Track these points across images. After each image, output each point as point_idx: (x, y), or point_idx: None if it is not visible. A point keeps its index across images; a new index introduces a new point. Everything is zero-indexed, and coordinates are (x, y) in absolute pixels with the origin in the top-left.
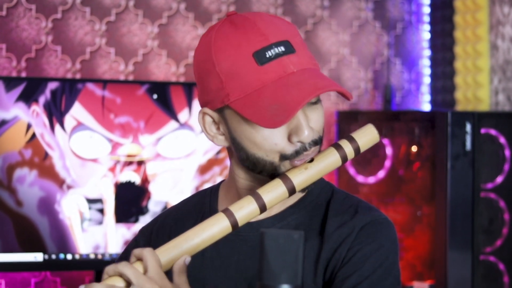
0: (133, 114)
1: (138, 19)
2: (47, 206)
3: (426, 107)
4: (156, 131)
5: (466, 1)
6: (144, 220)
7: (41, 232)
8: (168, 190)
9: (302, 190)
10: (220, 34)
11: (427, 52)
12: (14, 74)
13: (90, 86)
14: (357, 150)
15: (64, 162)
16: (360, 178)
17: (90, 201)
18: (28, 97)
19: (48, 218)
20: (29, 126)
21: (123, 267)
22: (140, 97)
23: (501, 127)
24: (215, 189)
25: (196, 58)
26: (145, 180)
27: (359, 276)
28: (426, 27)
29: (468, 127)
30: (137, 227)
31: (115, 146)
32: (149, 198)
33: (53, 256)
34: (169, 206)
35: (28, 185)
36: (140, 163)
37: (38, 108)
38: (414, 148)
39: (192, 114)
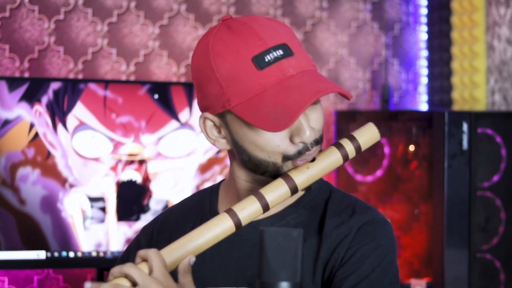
0: (135, 114)
1: (139, 20)
2: (50, 204)
3: (424, 107)
4: (157, 131)
5: (463, 2)
6: (145, 218)
7: (44, 230)
8: (169, 188)
9: (304, 189)
10: (217, 40)
11: (424, 53)
12: (17, 74)
13: (92, 86)
14: (358, 148)
15: (67, 161)
16: (358, 177)
17: (92, 199)
18: (31, 97)
19: (50, 217)
20: (32, 126)
21: (128, 268)
22: (142, 97)
23: (497, 126)
24: (215, 189)
25: (195, 64)
26: (146, 179)
27: (358, 276)
28: (424, 28)
29: (465, 127)
30: (138, 225)
31: (117, 145)
32: (150, 196)
33: (56, 254)
34: (170, 205)
35: (31, 183)
36: (142, 162)
37: (40, 108)
38: (411, 148)
39: (193, 114)
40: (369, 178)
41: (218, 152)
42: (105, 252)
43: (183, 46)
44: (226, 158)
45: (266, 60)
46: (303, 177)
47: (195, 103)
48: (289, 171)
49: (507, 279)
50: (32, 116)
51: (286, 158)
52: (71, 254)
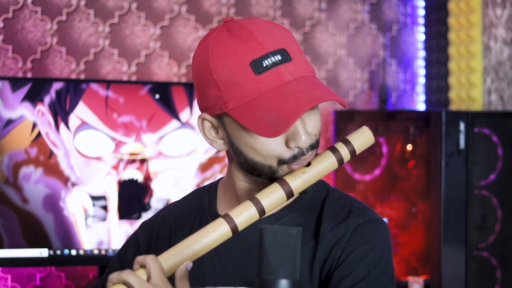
0: (136, 114)
1: (140, 21)
2: (52, 203)
3: (421, 106)
4: (158, 130)
5: (460, 3)
6: (147, 217)
7: (46, 228)
8: (170, 187)
9: (300, 193)
10: (217, 42)
11: (422, 53)
12: (20, 74)
13: (94, 86)
14: (352, 152)
15: (69, 160)
16: (356, 176)
17: (94, 198)
18: (33, 97)
19: (53, 215)
20: (34, 125)
21: (126, 275)
22: (143, 97)
23: (493, 126)
24: (213, 187)
25: (195, 65)
26: (148, 178)
27: (354, 277)
28: (421, 29)
29: (462, 126)
30: (139, 223)
31: (118, 144)
32: (151, 195)
33: (58, 252)
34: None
35: (34, 182)
36: (143, 161)
37: (43, 108)
38: (409, 147)
39: (193, 113)
40: (367, 177)
41: (218, 151)
42: (106, 250)
43: (184, 47)
44: (226, 157)
45: (264, 65)
46: (299, 181)
47: (195, 103)
48: (284, 175)
49: (503, 276)
50: (34, 116)
51: (281, 162)
52: (73, 252)
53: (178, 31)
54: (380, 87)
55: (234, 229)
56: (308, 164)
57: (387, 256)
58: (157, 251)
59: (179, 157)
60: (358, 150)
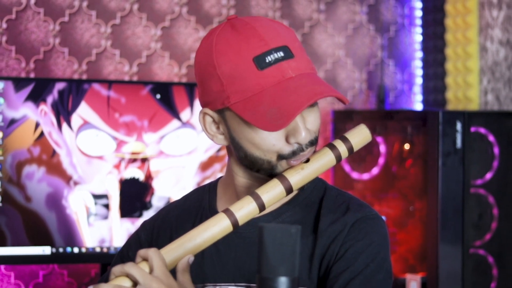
0: (137, 113)
1: (142, 22)
2: (55, 201)
3: (418, 106)
4: (159, 130)
5: (457, 5)
6: (148, 215)
7: (49, 227)
8: (171, 186)
9: (299, 189)
10: (221, 38)
11: (419, 54)
12: (23, 75)
13: (96, 86)
14: (350, 149)
15: (71, 159)
16: (355, 175)
17: (96, 196)
18: (36, 97)
19: (55, 213)
20: (37, 125)
21: (129, 267)
22: (144, 97)
23: (490, 125)
24: (213, 186)
25: (198, 60)
26: (149, 177)
27: (352, 271)
28: (418, 30)
29: (459, 126)
30: (141, 221)
31: (120, 144)
32: (152, 193)
33: (61, 250)
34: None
35: (37, 181)
36: (144, 160)
37: (46, 108)
38: (406, 146)
39: (194, 113)
40: (365, 176)
41: (219, 150)
42: (108, 248)
43: (185, 48)
44: (226, 156)
45: (267, 60)
46: (298, 177)
47: (196, 103)
48: (284, 171)
49: (499, 274)
50: (37, 116)
51: (280, 157)
52: (76, 250)
53: (179, 32)
54: (378, 87)
55: (234, 223)
56: (307, 161)
57: (384, 251)
58: (159, 249)
59: (180, 156)
60: (356, 147)
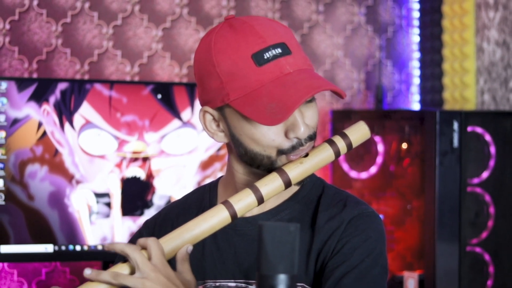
0: (139, 113)
1: (143, 23)
2: (57, 200)
3: (416, 106)
4: (160, 129)
5: (454, 6)
6: (149, 213)
7: (52, 225)
8: (172, 185)
9: (298, 183)
10: (219, 37)
11: (416, 54)
12: (26, 75)
13: (98, 86)
14: (349, 145)
15: (73, 158)
16: (353, 174)
17: (98, 195)
18: (39, 97)
19: (58, 212)
20: (40, 125)
21: (132, 250)
22: (145, 97)
23: (486, 125)
24: (214, 185)
25: (197, 59)
26: (150, 176)
27: (347, 266)
28: (416, 31)
29: (456, 126)
30: (142, 219)
31: (122, 143)
32: (153, 192)
33: (63, 248)
34: (172, 200)
35: (39, 180)
36: (145, 159)
37: (48, 107)
38: (404, 145)
39: (194, 113)
40: (364, 175)
41: (219, 149)
42: None
43: (185, 48)
44: (226, 155)
45: (265, 57)
46: (297, 171)
47: (196, 103)
48: (283, 165)
49: (496, 271)
50: (40, 115)
51: (280, 152)
52: (78, 248)
53: (180, 33)
54: (376, 87)
55: (233, 215)
56: (306, 155)
57: (380, 247)
58: None
59: (181, 155)
60: (355, 144)
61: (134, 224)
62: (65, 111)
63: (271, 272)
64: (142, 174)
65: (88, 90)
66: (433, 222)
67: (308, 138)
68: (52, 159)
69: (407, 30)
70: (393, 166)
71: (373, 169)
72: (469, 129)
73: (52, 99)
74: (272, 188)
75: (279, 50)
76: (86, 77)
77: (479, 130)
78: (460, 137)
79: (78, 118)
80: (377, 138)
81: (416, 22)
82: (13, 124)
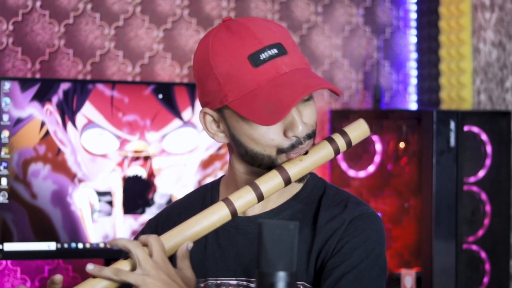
0: (140, 113)
1: (144, 24)
2: (60, 198)
3: (413, 106)
4: (161, 129)
5: (450, 7)
6: (150, 212)
7: (54, 223)
8: (173, 183)
9: (298, 181)
10: (216, 39)
11: (414, 55)
12: (29, 75)
13: (100, 86)
14: (349, 143)
15: (76, 157)
16: (351, 173)
17: (100, 193)
18: (42, 97)
19: (60, 210)
20: (43, 124)
21: (134, 246)
22: (147, 97)
23: (483, 125)
24: (215, 184)
25: (196, 62)
26: (151, 174)
27: (347, 266)
28: (413, 32)
29: (452, 125)
30: (143, 218)
31: (123, 142)
32: (155, 191)
33: (65, 245)
34: (173, 199)
35: (42, 178)
36: (147, 158)
37: (51, 107)
38: (401, 145)
39: (195, 112)
40: (362, 174)
41: (219, 149)
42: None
43: (186, 49)
44: (227, 154)
45: (261, 58)
46: (296, 169)
47: (197, 103)
48: (283, 163)
49: (492, 269)
50: (43, 115)
51: (280, 151)
52: (80, 246)
53: (181, 34)
54: (374, 87)
55: (233, 212)
56: (306, 153)
57: (380, 248)
58: None
59: (182, 154)
60: (354, 142)
61: (135, 222)
62: (67, 111)
63: (271, 270)
64: (143, 173)
65: (90, 90)
66: (430, 220)
67: (307, 136)
68: (55, 158)
69: (404, 31)
70: (391, 165)
71: (371, 168)
72: (466, 128)
73: (54, 99)
74: (272, 185)
75: (275, 51)
76: (88, 77)
77: (475, 129)
78: (456, 137)
79: (80, 118)
80: (375, 138)
81: (413, 23)
82: (17, 123)
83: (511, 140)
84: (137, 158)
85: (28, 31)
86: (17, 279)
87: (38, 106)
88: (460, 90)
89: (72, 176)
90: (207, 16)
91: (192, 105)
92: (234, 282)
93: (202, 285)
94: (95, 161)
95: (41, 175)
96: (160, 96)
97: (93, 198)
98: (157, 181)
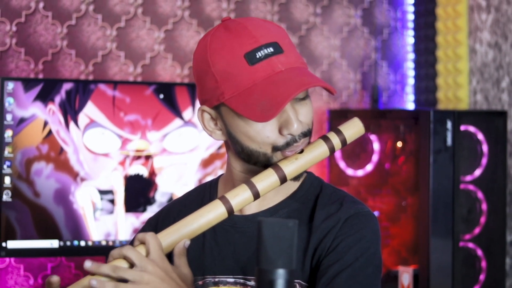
0: (141, 113)
1: (146, 25)
2: (62, 197)
3: (410, 106)
4: (162, 128)
5: (447, 8)
6: (151, 210)
7: (57, 221)
8: (173, 182)
9: (293, 179)
10: (215, 38)
11: (411, 56)
12: (32, 75)
13: (102, 86)
14: (344, 141)
15: (78, 156)
16: (349, 171)
17: (102, 192)
18: (45, 97)
19: (63, 208)
20: (45, 124)
21: (126, 250)
22: (148, 97)
23: (479, 124)
24: (214, 182)
25: (195, 60)
26: (152, 173)
27: (341, 264)
28: (411, 33)
29: (449, 125)
30: (145, 216)
31: (125, 141)
32: (156, 189)
33: (68, 243)
34: (174, 197)
35: (45, 177)
36: (148, 157)
37: (54, 107)
38: (399, 144)
39: (195, 112)
40: (360, 173)
41: (219, 148)
42: (114, 241)
43: (187, 49)
44: (226, 154)
45: (257, 56)
46: (292, 167)
47: (197, 103)
48: (278, 161)
49: (488, 266)
50: (46, 115)
51: (275, 148)
52: (82, 243)
53: (181, 35)
54: (371, 87)
55: (229, 210)
56: (301, 151)
57: (375, 247)
58: None
59: (182, 153)
60: (349, 140)
61: (137, 220)
62: (70, 111)
63: (270, 267)
64: (144, 172)
65: (93, 90)
66: (427, 218)
67: (302, 134)
68: (58, 157)
69: (402, 32)
70: (389, 164)
71: (369, 167)
72: (462, 128)
73: (57, 99)
74: (267, 183)
75: (271, 49)
76: (91, 77)
77: (471, 129)
78: (453, 136)
79: (82, 117)
80: (372, 137)
81: (410, 24)
82: (20, 123)
83: (507, 139)
84: (138, 157)
85: (31, 32)
86: (21, 276)
87: (41, 106)
88: (456, 90)
89: (74, 175)
90: (208, 17)
91: (193, 105)
92: (232, 280)
93: (200, 282)
94: (97, 160)
95: (44, 174)
96: (161, 96)
97: (95, 197)
98: (158, 180)
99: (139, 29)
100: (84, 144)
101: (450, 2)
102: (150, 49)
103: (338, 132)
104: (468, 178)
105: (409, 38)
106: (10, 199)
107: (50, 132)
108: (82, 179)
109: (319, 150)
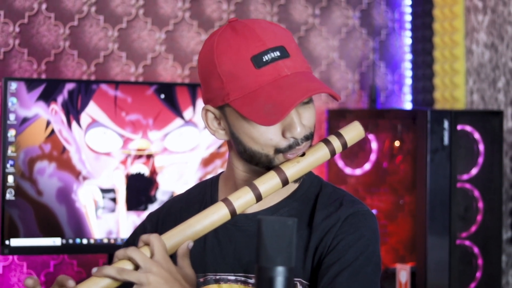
0: (143, 112)
1: (147, 26)
2: (65, 195)
3: (408, 106)
4: (163, 128)
5: (444, 10)
6: (153, 208)
7: (59, 219)
8: (174, 181)
9: (295, 181)
10: (222, 39)
11: (408, 56)
12: (35, 76)
13: (104, 86)
14: (344, 145)
15: (80, 155)
16: (348, 170)
17: (104, 191)
18: (47, 97)
19: (65, 206)
20: (48, 123)
21: (131, 251)
22: (149, 97)
23: (475, 124)
24: (215, 180)
25: (200, 60)
26: (154, 172)
27: (342, 263)
28: (408, 34)
29: (446, 124)
30: (146, 214)
31: (126, 141)
32: (157, 188)
33: (70, 241)
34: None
35: (48, 176)
36: (149, 156)
37: (56, 107)
38: (397, 143)
39: (196, 112)
40: (358, 171)
41: (220, 147)
42: (115, 239)
43: (187, 50)
44: (227, 152)
45: (264, 60)
46: (294, 170)
47: (198, 103)
48: (280, 164)
49: (484, 264)
50: (48, 114)
51: (277, 151)
52: (85, 241)
53: (182, 36)
54: (369, 87)
55: (232, 212)
56: (303, 154)
57: (374, 245)
58: None
59: (183, 152)
60: (350, 143)
61: (138, 218)
62: (72, 110)
63: (270, 264)
64: (146, 171)
65: (95, 90)
66: (425, 216)
67: (305, 138)
68: (60, 156)
69: (399, 33)
70: (386, 163)
71: (367, 166)
72: (459, 127)
73: (60, 99)
74: (270, 186)
75: (277, 53)
76: (93, 77)
77: (468, 128)
78: (450, 135)
79: (84, 117)
80: (370, 136)
81: (408, 25)
82: (23, 122)
83: (503, 138)
84: (140, 156)
85: (34, 33)
86: (24, 273)
87: (44, 105)
88: (453, 90)
89: (76, 174)
90: (208, 18)
91: (193, 104)
92: (233, 278)
93: (201, 279)
94: (99, 159)
95: (46, 173)
96: (162, 96)
97: (97, 195)
98: (159, 179)
99: (140, 30)
100: (86, 144)
101: (447, 4)
102: (151, 50)
103: (339, 136)
104: (465, 177)
105: (407, 39)
106: (13, 198)
107: (52, 131)
108: (84, 178)
109: (320, 153)
